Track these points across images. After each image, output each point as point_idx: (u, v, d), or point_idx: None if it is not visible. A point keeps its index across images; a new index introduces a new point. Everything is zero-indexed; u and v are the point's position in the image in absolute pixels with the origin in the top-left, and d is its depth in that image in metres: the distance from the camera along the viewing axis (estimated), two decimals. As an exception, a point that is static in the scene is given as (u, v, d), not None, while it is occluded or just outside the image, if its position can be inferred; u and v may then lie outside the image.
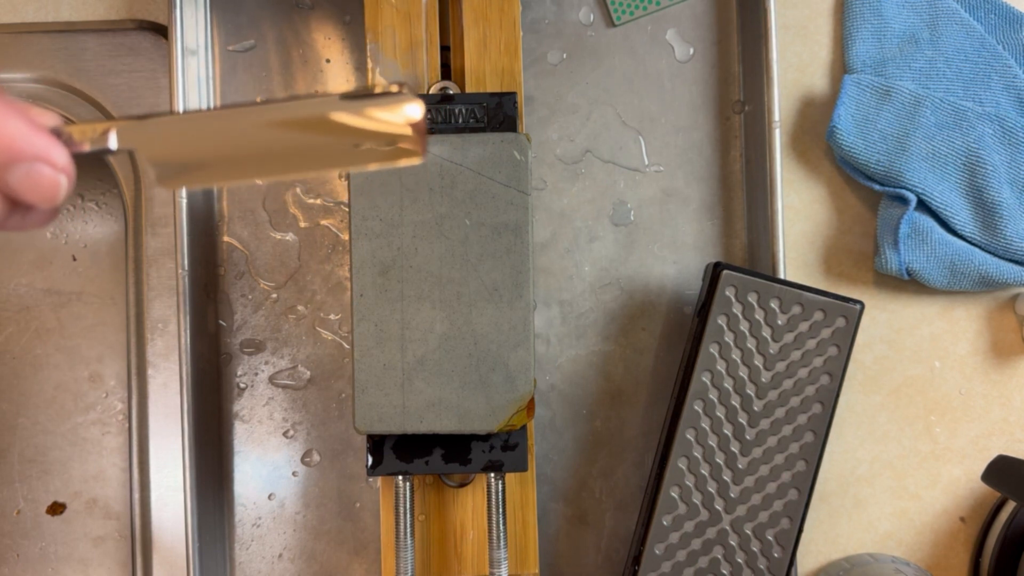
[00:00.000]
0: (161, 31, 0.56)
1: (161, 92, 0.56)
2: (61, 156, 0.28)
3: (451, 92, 0.49)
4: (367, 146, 0.29)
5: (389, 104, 0.28)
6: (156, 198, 0.56)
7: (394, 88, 0.28)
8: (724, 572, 0.49)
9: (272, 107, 0.29)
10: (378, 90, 0.28)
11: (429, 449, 0.47)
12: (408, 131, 0.28)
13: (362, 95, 0.29)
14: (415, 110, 0.28)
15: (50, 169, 0.27)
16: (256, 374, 0.56)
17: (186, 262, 0.52)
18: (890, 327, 0.57)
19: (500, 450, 0.47)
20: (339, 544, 0.56)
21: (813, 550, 0.56)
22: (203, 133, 0.29)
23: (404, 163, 0.29)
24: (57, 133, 0.28)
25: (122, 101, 0.56)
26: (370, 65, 0.50)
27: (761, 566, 0.49)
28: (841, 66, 0.57)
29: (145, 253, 0.56)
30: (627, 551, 0.55)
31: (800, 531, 0.49)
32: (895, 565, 0.54)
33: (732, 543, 0.49)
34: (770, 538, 0.49)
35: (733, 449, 0.49)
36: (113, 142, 0.29)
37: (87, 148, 0.29)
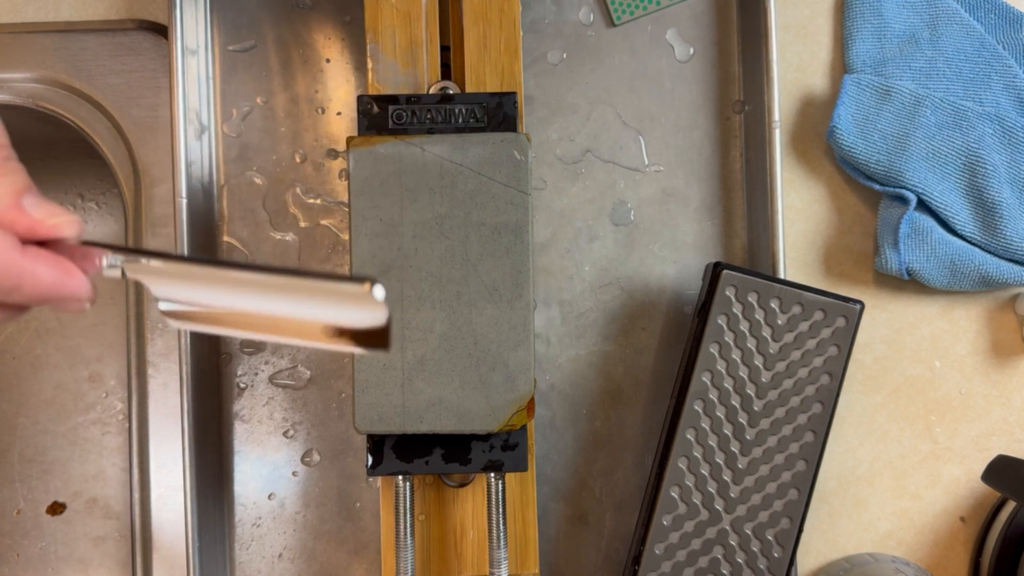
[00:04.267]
0: (161, 31, 0.56)
1: (161, 92, 0.56)
2: (84, 289, 0.30)
3: (451, 92, 0.49)
4: (336, 332, 0.29)
5: (354, 302, 0.28)
6: (156, 198, 0.56)
7: (365, 288, 0.28)
8: (724, 572, 0.49)
9: (267, 277, 0.29)
10: (346, 287, 0.28)
11: (429, 449, 0.47)
12: (372, 328, 0.28)
13: (331, 286, 0.29)
14: (378, 313, 0.28)
15: (76, 301, 0.30)
16: (256, 374, 0.56)
17: (186, 262, 0.52)
18: (890, 327, 0.57)
19: (500, 450, 0.47)
20: (339, 544, 0.56)
21: (813, 550, 0.56)
22: (199, 285, 0.30)
23: (369, 352, 0.29)
24: (77, 251, 0.30)
25: (122, 101, 0.56)
26: (370, 65, 0.50)
27: (761, 566, 0.49)
28: (841, 66, 0.57)
29: (145, 253, 0.56)
30: (627, 551, 0.55)
31: (800, 531, 0.49)
32: (895, 565, 0.54)
33: (732, 543, 0.49)
34: (770, 538, 0.49)
35: (733, 449, 0.49)
36: (127, 274, 0.31)
37: (103, 272, 0.30)
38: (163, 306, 0.31)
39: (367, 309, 0.28)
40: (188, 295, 0.30)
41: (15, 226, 0.29)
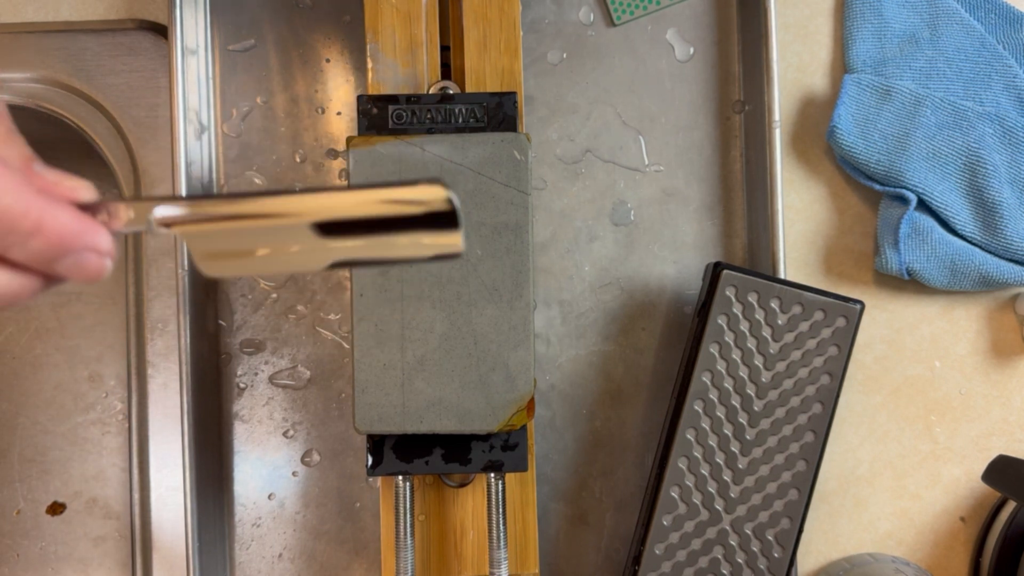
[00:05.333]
0: (161, 31, 0.56)
1: (161, 92, 0.56)
2: (106, 243, 0.28)
3: (451, 92, 0.49)
4: (401, 243, 0.28)
5: (422, 205, 0.28)
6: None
7: (434, 191, 0.27)
8: (724, 572, 0.49)
9: (307, 199, 0.28)
10: (412, 192, 0.27)
11: (429, 449, 0.47)
12: (442, 231, 0.28)
13: (395, 194, 0.28)
14: (452, 232, 0.28)
15: (96, 256, 0.28)
16: (256, 374, 0.56)
17: (186, 262, 0.52)
18: (890, 327, 0.57)
19: (500, 450, 0.47)
20: (339, 544, 0.56)
21: (813, 550, 0.56)
22: (236, 234, 0.29)
23: (439, 257, 0.28)
24: (94, 210, 0.28)
25: (122, 101, 0.56)
26: (370, 65, 0.50)
27: (761, 566, 0.49)
28: (841, 66, 0.57)
29: (145, 253, 0.56)
30: (627, 551, 0.55)
31: (800, 531, 0.49)
32: (895, 565, 0.54)
33: (732, 543, 0.49)
34: (770, 538, 0.49)
35: (733, 449, 0.49)
36: (151, 225, 0.29)
37: (121, 227, 0.28)
38: (199, 255, 0.29)
39: (439, 212, 0.27)
40: (229, 236, 0.28)
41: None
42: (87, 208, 0.28)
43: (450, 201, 0.27)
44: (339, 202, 0.28)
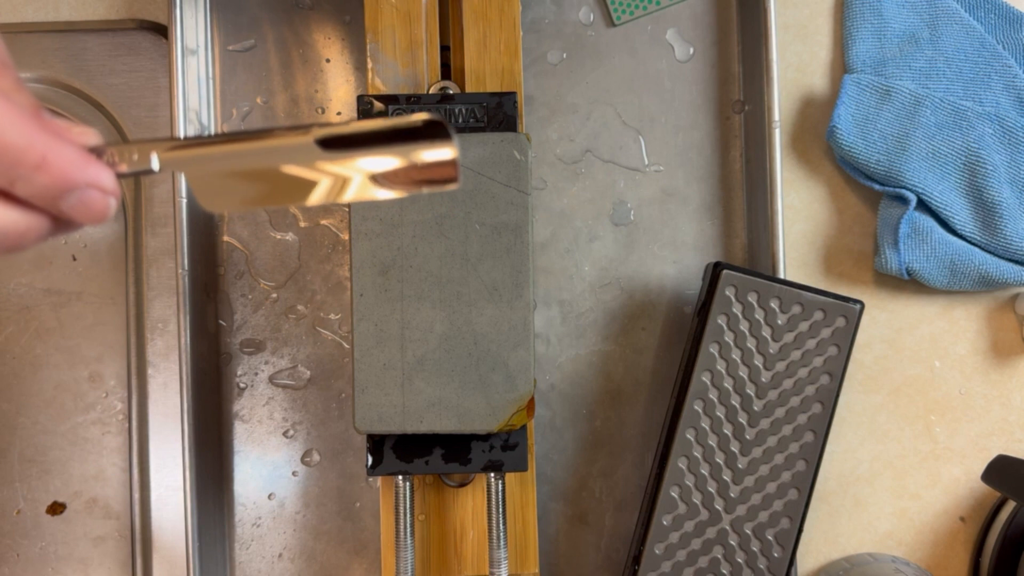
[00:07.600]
0: (161, 31, 0.56)
1: (161, 92, 0.56)
2: (110, 181, 0.29)
3: (451, 92, 0.49)
4: (400, 176, 0.30)
5: (418, 138, 0.29)
6: (156, 198, 0.56)
7: (420, 118, 0.29)
8: (724, 572, 0.49)
9: (310, 131, 0.29)
10: (405, 122, 0.29)
11: (429, 449, 0.47)
12: (434, 141, 0.29)
13: (391, 128, 0.29)
14: (445, 143, 0.29)
15: (100, 194, 0.29)
16: (256, 374, 0.56)
17: (186, 262, 0.52)
18: (890, 327, 0.57)
19: (500, 450, 0.47)
20: (339, 544, 0.56)
21: (813, 550, 0.56)
22: (240, 157, 0.30)
23: (437, 190, 0.30)
24: (99, 153, 0.29)
25: (122, 101, 0.56)
26: (370, 65, 0.50)
27: (761, 566, 0.49)
28: (841, 66, 0.57)
29: (145, 253, 0.56)
30: (627, 551, 0.55)
31: (800, 531, 0.49)
32: (895, 565, 0.54)
33: (732, 543, 0.49)
34: (770, 538, 0.49)
35: (733, 449, 0.49)
36: (155, 163, 0.30)
37: (126, 169, 0.29)
38: (202, 189, 0.30)
39: (429, 124, 0.29)
40: (231, 159, 0.29)
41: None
42: (93, 151, 0.29)
43: (438, 118, 0.29)
44: (335, 130, 0.30)
